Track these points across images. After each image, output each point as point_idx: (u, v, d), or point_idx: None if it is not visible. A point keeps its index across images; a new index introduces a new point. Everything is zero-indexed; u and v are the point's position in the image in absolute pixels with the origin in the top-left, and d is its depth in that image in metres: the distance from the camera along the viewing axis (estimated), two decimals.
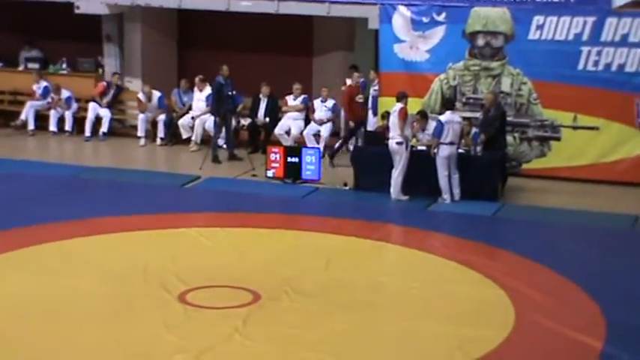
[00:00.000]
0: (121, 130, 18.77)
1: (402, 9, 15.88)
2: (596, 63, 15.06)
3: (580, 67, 15.11)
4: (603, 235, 12.65)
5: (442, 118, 14.00)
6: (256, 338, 8.82)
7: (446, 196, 13.88)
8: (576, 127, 15.32)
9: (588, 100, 15.10)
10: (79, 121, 18.34)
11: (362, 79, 17.02)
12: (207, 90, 17.28)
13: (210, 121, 16.97)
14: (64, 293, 9.89)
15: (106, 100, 18.25)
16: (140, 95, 17.93)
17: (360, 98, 16.36)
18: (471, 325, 9.28)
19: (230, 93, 16.22)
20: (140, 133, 17.78)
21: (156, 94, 17.80)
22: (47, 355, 8.37)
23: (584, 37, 15.05)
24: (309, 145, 16.45)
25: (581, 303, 9.95)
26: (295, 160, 14.99)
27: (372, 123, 16.44)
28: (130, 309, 9.54)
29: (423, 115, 14.48)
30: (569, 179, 15.21)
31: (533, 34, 15.31)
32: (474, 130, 14.58)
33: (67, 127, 18.34)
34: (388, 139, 14.02)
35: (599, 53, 15.03)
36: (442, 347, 8.77)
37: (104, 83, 18.43)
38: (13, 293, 9.89)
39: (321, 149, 15.98)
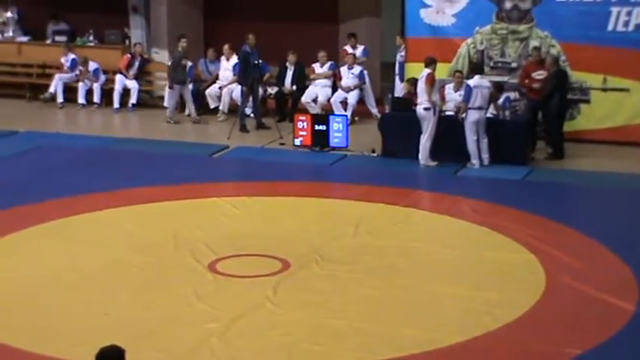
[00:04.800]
0: (149, 101, 18.82)
1: None
2: (626, 23, 14.87)
3: (609, 28, 14.93)
4: (634, 198, 12.55)
5: (471, 82, 13.91)
6: (287, 306, 8.86)
7: (475, 161, 13.82)
8: (606, 89, 15.16)
9: (618, 61, 14.92)
10: (107, 93, 18.41)
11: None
12: (234, 59, 17.26)
13: (237, 90, 16.96)
14: (96, 263, 9.98)
15: (132, 72, 18.28)
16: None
17: (539, 74, 14.60)
18: (501, 289, 9.27)
19: (257, 62, 16.19)
20: (167, 103, 17.80)
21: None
22: (80, 322, 8.46)
23: None
24: (336, 112, 16.41)
25: (613, 265, 9.89)
26: (323, 127, 14.97)
27: (399, 89, 16.37)
28: (160, 278, 9.61)
29: (461, 73, 14.36)
30: (598, 142, 15.07)
31: None
32: (505, 95, 14.49)
33: (96, 99, 18.42)
34: (416, 105, 13.97)
35: (629, 13, 14.83)
36: (471, 312, 8.76)
37: (128, 55, 18.44)
38: (46, 263, 10.00)
39: (348, 116, 15.95)
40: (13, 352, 7.92)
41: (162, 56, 18.90)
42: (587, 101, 15.31)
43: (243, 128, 16.23)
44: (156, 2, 18.92)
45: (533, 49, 14.99)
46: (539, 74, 14.57)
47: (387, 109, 14.96)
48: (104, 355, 5.41)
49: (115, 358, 5.41)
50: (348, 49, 17.38)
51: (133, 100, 18.20)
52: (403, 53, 16.40)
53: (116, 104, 18.13)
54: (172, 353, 7.95)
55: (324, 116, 15.44)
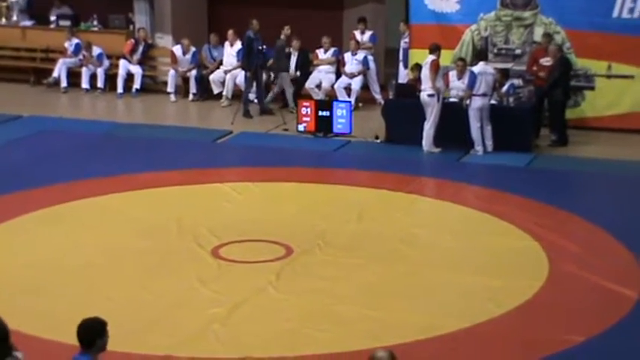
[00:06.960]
0: (153, 86, 18.79)
1: None
2: (631, 10, 14.80)
3: (615, 14, 14.86)
4: (638, 185, 12.54)
5: (475, 69, 13.88)
6: (290, 291, 8.88)
7: (478, 147, 13.81)
8: (610, 75, 15.11)
9: (623, 48, 14.85)
10: (111, 78, 18.37)
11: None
12: (238, 45, 17.22)
13: (241, 75, 16.93)
14: (100, 248, 10.00)
15: (135, 57, 18.24)
16: (175, 49, 17.91)
17: (547, 61, 14.49)
18: (504, 276, 9.28)
19: (260, 47, 16.16)
20: (170, 89, 17.79)
21: (192, 49, 17.78)
22: (84, 307, 8.41)
23: None
24: (340, 98, 16.39)
25: (616, 253, 9.90)
26: (326, 113, 14.95)
27: (403, 75, 16.34)
28: (164, 264, 9.63)
29: (464, 61, 14.32)
30: (603, 129, 15.04)
31: None
32: (510, 82, 14.45)
33: (99, 84, 18.38)
34: (420, 91, 13.95)
35: (634, 0, 14.77)
36: (475, 298, 8.78)
37: (132, 41, 18.39)
38: (50, 248, 10.03)
39: (352, 102, 15.93)
40: (16, 336, 7.93)
41: (166, 41, 18.85)
42: (592, 88, 15.27)
43: (247, 114, 16.23)
44: None
45: (543, 36, 14.91)
46: (547, 61, 14.52)
47: (391, 96, 14.93)
48: (87, 326, 5.36)
49: (97, 330, 5.35)
50: (357, 33, 17.32)
51: (136, 85, 18.15)
52: (407, 40, 16.36)
53: (120, 89, 18.10)
54: (176, 338, 7.97)
55: (327, 102, 15.42)
